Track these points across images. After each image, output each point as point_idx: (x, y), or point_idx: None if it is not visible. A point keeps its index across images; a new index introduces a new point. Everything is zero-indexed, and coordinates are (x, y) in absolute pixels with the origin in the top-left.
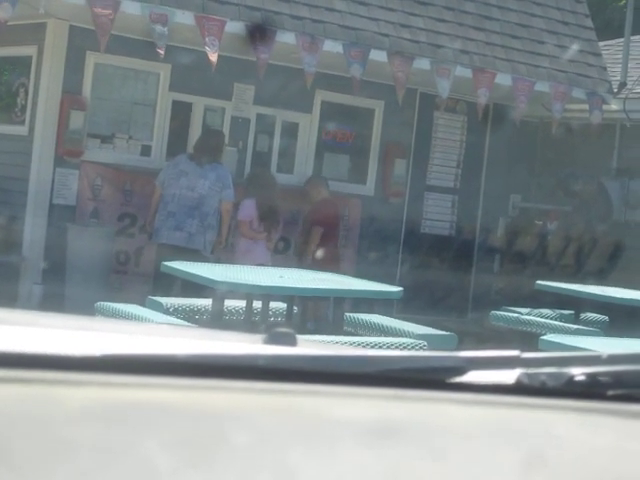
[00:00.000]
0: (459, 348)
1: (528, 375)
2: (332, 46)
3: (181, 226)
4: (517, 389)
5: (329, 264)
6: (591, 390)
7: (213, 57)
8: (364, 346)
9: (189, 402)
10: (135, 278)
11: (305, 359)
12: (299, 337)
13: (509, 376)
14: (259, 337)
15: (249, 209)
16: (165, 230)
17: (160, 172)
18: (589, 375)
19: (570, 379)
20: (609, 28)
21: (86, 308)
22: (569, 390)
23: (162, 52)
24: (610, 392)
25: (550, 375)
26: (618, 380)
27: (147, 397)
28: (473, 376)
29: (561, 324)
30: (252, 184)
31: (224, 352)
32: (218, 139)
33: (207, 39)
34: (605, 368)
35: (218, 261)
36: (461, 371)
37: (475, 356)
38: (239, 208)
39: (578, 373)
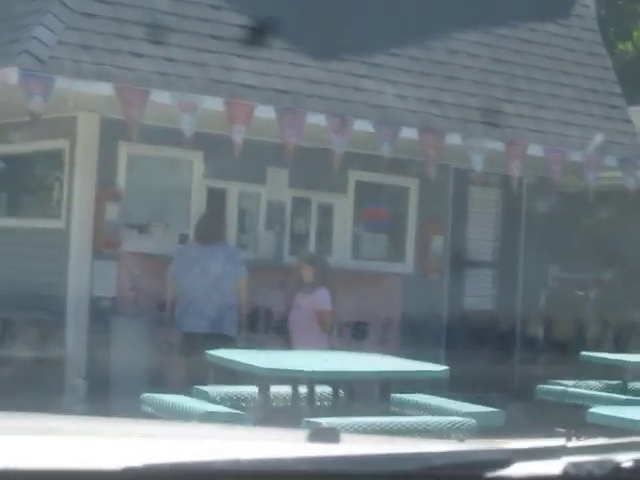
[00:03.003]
0: (506, 424)
1: (574, 465)
2: (363, 125)
3: (202, 312)
4: None
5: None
6: (638, 476)
7: (238, 143)
8: (411, 427)
9: None
10: (179, 367)
11: (346, 460)
12: (342, 432)
13: (555, 467)
14: (302, 434)
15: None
16: (187, 318)
17: (170, 265)
18: (636, 461)
19: (617, 466)
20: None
21: (132, 400)
22: (616, 478)
23: (190, 141)
24: None
25: (596, 464)
26: None
27: None
28: (518, 468)
29: (609, 395)
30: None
31: (265, 457)
32: (217, 219)
33: (234, 125)
34: None
35: (247, 343)
36: (506, 464)
37: (519, 448)
38: (318, 299)
39: (625, 460)
